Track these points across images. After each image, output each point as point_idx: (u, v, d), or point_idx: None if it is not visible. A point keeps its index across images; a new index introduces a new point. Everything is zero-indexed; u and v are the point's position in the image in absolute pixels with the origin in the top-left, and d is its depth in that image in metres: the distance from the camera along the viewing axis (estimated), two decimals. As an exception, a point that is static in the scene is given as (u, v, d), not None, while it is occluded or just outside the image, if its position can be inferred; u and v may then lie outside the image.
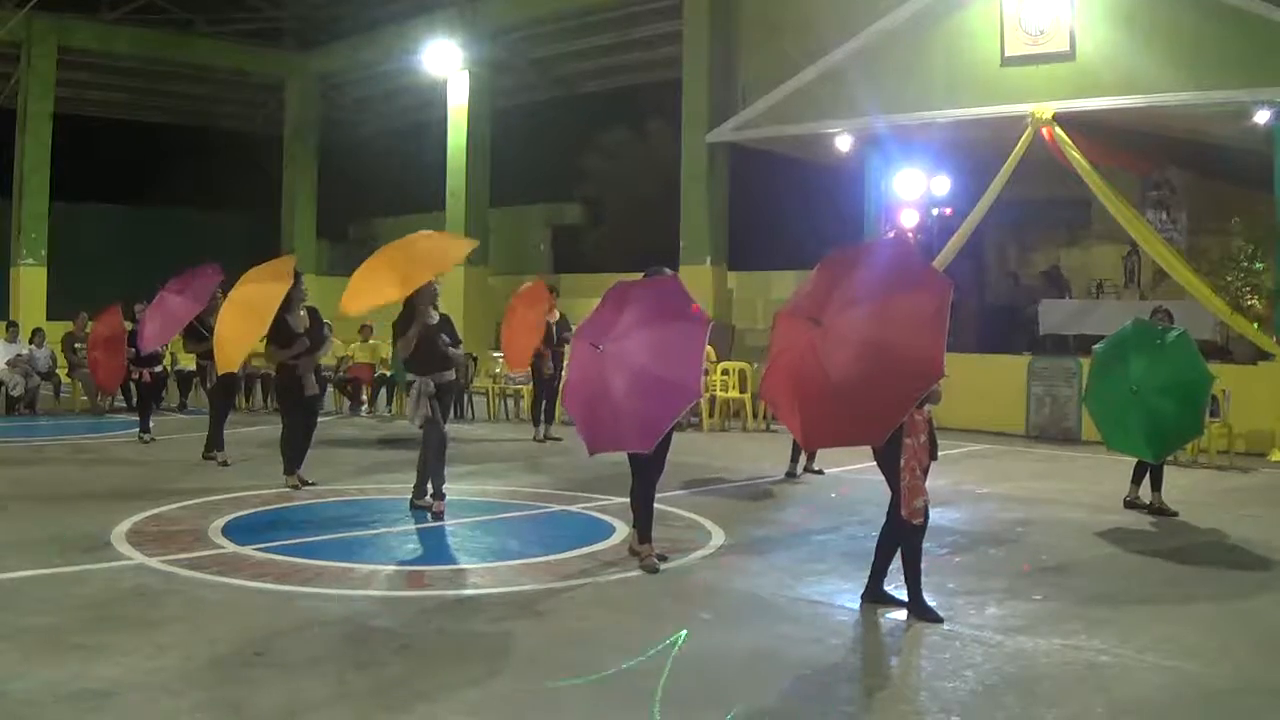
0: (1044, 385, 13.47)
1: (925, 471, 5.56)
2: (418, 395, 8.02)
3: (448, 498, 8.09)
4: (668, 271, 6.78)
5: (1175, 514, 8.40)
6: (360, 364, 15.83)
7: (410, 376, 8.13)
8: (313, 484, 9.10)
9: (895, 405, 5.17)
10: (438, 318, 8.15)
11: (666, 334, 6.09)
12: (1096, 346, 8.71)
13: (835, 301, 5.37)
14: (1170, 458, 8.78)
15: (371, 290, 7.98)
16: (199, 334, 10.76)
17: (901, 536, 5.65)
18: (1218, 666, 4.93)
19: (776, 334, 5.69)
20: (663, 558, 6.62)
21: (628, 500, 6.77)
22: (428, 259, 8.18)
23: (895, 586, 5.79)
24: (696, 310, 6.19)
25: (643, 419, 5.97)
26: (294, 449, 9.15)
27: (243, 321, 8.82)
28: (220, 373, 9.79)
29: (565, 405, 6.56)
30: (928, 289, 5.28)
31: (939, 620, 5.49)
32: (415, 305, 7.97)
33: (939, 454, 5.82)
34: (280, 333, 8.91)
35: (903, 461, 5.50)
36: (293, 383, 9.06)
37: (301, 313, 9.12)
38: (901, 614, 5.63)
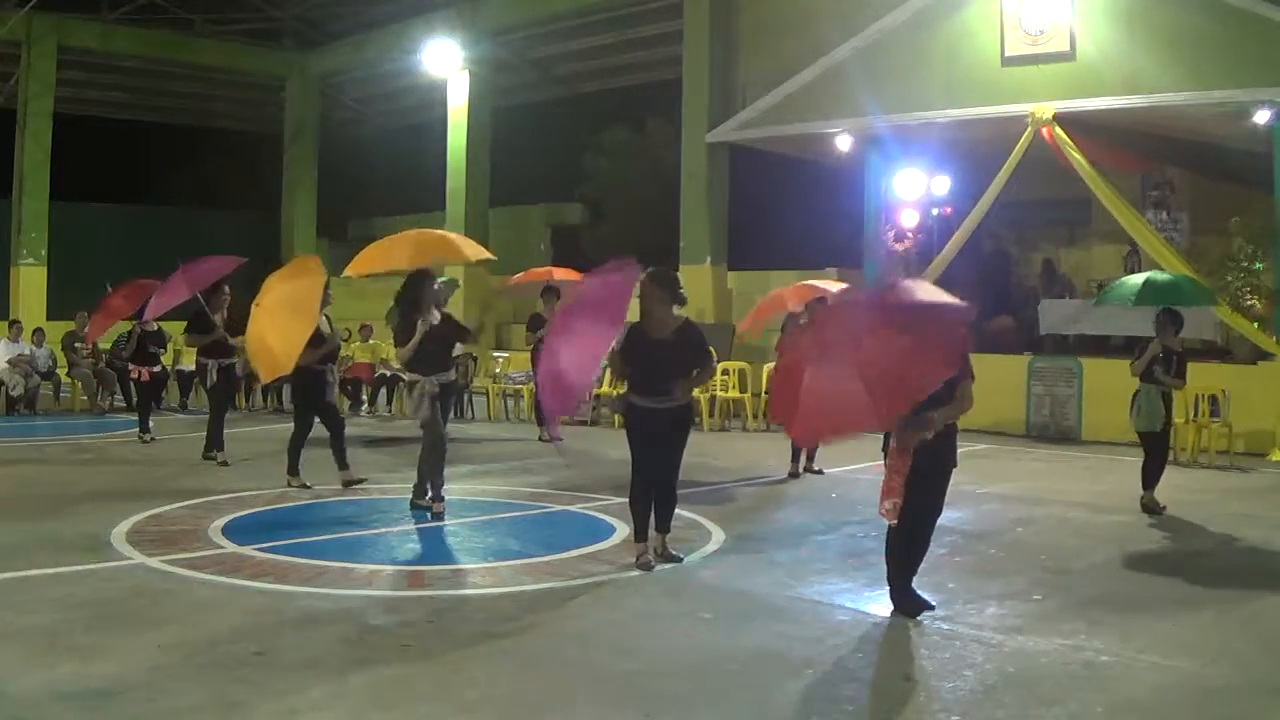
0: (1044, 385, 13.47)
1: (903, 476, 5.45)
2: (420, 395, 8.02)
3: (448, 498, 8.09)
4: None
5: (1163, 509, 8.44)
6: (360, 364, 15.83)
7: (414, 376, 8.09)
8: (309, 486, 9.08)
9: (905, 393, 4.97)
10: (439, 317, 8.14)
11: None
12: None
13: (850, 322, 5.25)
14: (1170, 456, 8.78)
15: (380, 258, 8.18)
16: (206, 325, 10.67)
17: (898, 536, 5.66)
18: (1217, 666, 4.93)
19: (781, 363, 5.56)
20: (678, 558, 6.62)
21: (627, 500, 6.76)
22: (442, 242, 8.40)
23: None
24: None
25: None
26: (300, 450, 9.13)
27: (290, 321, 8.43)
28: (267, 380, 9.85)
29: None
30: (947, 307, 5.17)
31: (912, 615, 5.53)
32: (418, 301, 7.97)
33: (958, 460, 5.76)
34: (312, 335, 8.79)
35: (886, 460, 5.51)
36: (317, 385, 9.04)
37: (324, 315, 9.08)
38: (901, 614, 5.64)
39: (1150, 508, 8.45)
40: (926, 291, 5.36)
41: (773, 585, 6.20)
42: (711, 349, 6.74)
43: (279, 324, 8.41)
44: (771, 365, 14.07)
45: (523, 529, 7.84)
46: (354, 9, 21.56)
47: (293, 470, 9.13)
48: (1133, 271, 15.91)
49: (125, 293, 11.89)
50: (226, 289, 10.65)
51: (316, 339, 8.86)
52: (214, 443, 10.60)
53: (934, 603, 5.64)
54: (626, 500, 6.68)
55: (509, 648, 5.05)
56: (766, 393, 14.22)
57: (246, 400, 15.78)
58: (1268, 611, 5.94)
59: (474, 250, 10.00)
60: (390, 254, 8.76)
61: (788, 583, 6.26)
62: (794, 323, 10.80)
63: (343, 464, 9.16)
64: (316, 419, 9.26)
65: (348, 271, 9.07)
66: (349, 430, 13.37)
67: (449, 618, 5.52)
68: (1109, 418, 12.13)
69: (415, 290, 8.02)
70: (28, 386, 14.95)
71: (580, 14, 18.91)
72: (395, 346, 8.19)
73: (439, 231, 8.81)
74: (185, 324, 11.07)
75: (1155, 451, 8.60)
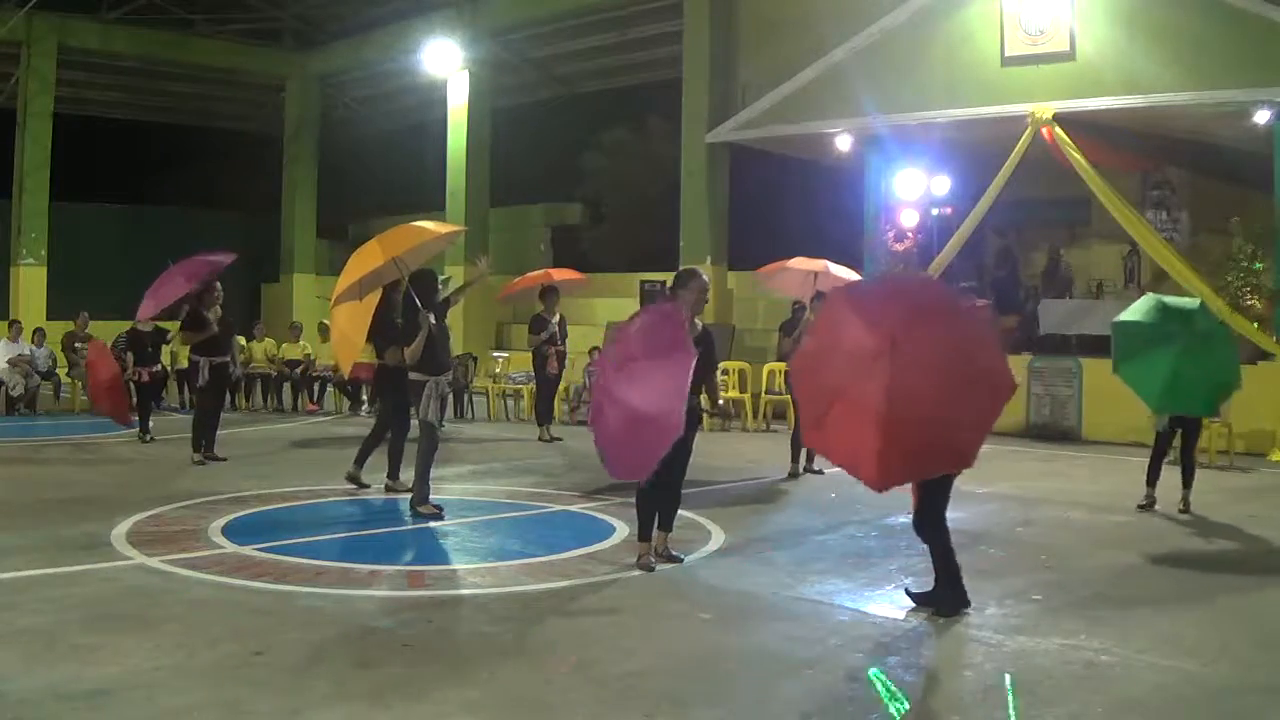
0: (1044, 385, 13.47)
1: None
2: (429, 396, 8.01)
3: (447, 498, 8.06)
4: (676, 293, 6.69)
5: (1153, 505, 8.50)
6: (360, 364, 15.78)
7: (420, 377, 8.08)
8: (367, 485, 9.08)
9: (979, 425, 5.18)
10: (433, 319, 8.11)
11: (652, 369, 5.99)
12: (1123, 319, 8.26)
13: (886, 329, 5.10)
14: (1170, 457, 8.77)
15: (355, 269, 8.17)
16: (200, 322, 10.59)
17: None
18: (1217, 665, 4.93)
19: (810, 382, 5.53)
20: (678, 559, 6.62)
21: (627, 500, 6.76)
22: (408, 232, 8.49)
23: (895, 587, 5.78)
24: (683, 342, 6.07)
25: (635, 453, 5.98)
26: (401, 452, 8.99)
27: (355, 308, 8.66)
28: (347, 370, 9.84)
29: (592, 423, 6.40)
30: (970, 312, 5.33)
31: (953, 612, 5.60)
32: (421, 301, 7.94)
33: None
34: (390, 331, 8.74)
35: None
36: (403, 384, 9.02)
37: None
38: (900, 614, 5.64)
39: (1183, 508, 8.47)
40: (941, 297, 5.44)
41: (773, 585, 6.20)
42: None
43: (350, 313, 8.76)
44: (770, 365, 14.15)
45: (523, 529, 7.84)
46: (354, 9, 21.55)
47: (393, 475, 9.01)
48: (1132, 271, 15.99)
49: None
50: (219, 285, 10.59)
51: (396, 335, 8.83)
52: (196, 442, 10.53)
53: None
54: (624, 500, 6.68)
55: (509, 648, 5.05)
56: (767, 393, 14.28)
57: (246, 400, 15.78)
58: (1268, 611, 5.94)
59: (443, 228, 9.62)
60: (363, 261, 8.34)
61: (788, 583, 6.26)
62: (801, 315, 10.78)
63: (359, 463, 9.16)
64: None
65: (337, 302, 8.67)
66: (348, 430, 13.45)
67: (449, 618, 5.52)
68: (1109, 418, 12.13)
69: (419, 289, 8.01)
70: (28, 386, 14.96)
71: (580, 14, 18.91)
72: (404, 347, 8.14)
73: (402, 226, 8.81)
74: (180, 322, 11.03)
75: (1158, 449, 8.62)
